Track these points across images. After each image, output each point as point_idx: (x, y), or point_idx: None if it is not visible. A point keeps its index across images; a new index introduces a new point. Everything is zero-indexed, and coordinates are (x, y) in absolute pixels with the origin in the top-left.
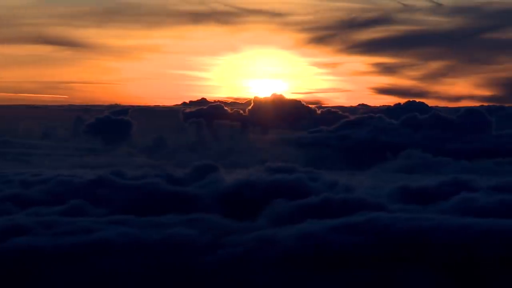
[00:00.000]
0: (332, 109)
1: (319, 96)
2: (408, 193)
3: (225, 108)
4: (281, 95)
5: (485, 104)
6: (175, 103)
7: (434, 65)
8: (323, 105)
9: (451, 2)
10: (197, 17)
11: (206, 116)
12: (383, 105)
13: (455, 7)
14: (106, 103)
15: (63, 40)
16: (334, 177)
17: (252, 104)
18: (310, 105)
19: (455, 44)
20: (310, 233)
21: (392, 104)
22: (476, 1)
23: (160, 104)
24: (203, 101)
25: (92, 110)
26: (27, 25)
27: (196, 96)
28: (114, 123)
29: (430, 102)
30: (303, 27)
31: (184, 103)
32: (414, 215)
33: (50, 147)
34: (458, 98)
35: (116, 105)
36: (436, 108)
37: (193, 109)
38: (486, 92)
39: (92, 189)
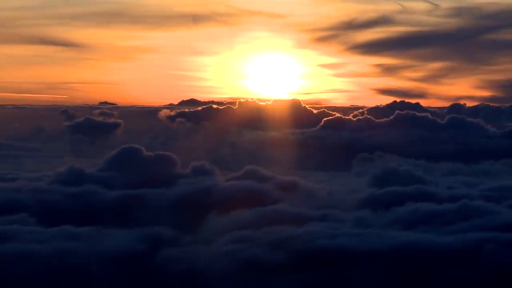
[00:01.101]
0: (326, 110)
1: (319, 96)
2: (369, 199)
3: (213, 109)
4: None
5: (488, 104)
6: (174, 103)
7: (434, 66)
8: (318, 106)
9: (451, 3)
10: (198, 18)
11: (192, 117)
12: (378, 106)
13: (454, 8)
14: (102, 104)
15: (63, 40)
16: (303, 180)
17: (237, 106)
18: (305, 106)
19: (454, 45)
20: (237, 249)
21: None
22: (475, 2)
23: (156, 105)
24: (194, 101)
25: (87, 110)
26: (28, 26)
27: (196, 96)
28: (103, 124)
29: (430, 103)
30: (304, 28)
31: (172, 104)
32: (349, 229)
33: (37, 149)
34: (457, 99)
35: (111, 105)
36: (429, 109)
37: (178, 110)
38: (486, 93)
39: (41, 198)
